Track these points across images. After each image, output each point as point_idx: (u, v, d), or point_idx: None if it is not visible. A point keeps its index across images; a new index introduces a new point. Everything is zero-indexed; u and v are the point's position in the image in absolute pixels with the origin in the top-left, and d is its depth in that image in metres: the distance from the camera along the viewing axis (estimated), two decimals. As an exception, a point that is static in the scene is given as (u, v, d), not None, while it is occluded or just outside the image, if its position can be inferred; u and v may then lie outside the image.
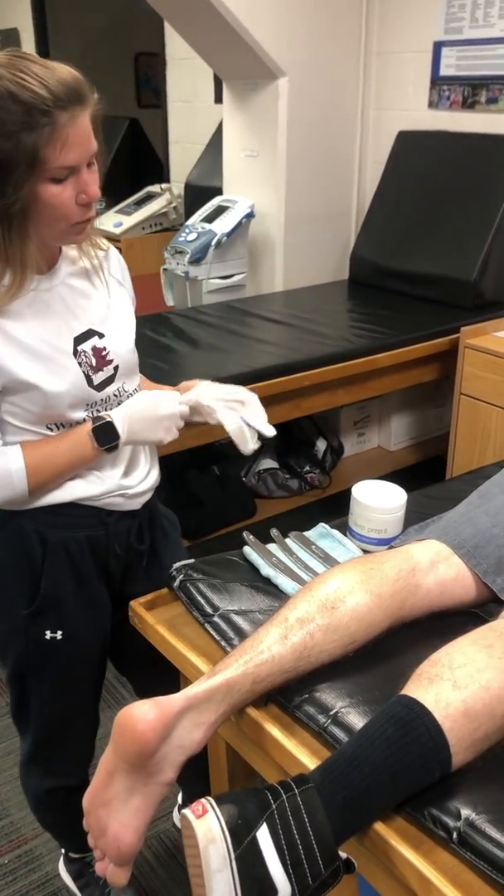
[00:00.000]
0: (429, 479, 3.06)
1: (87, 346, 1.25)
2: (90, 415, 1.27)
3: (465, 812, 0.90)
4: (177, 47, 4.20)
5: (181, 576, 1.29)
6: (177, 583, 1.29)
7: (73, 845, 1.70)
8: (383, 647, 1.14)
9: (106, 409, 1.29)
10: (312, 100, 3.26)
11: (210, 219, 3.26)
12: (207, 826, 0.83)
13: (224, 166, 3.54)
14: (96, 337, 1.26)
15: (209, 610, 1.24)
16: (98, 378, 1.26)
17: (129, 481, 1.34)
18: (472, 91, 3.06)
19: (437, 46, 3.14)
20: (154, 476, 1.41)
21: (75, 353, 1.24)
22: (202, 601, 1.25)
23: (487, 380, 2.64)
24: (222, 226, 3.19)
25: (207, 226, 3.22)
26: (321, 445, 2.91)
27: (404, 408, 3.22)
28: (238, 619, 1.22)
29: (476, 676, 0.96)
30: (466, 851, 0.87)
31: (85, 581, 1.36)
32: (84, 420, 1.26)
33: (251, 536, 1.39)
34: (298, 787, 0.88)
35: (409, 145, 3.28)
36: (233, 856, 0.83)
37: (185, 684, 1.29)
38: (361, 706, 1.05)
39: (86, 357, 1.25)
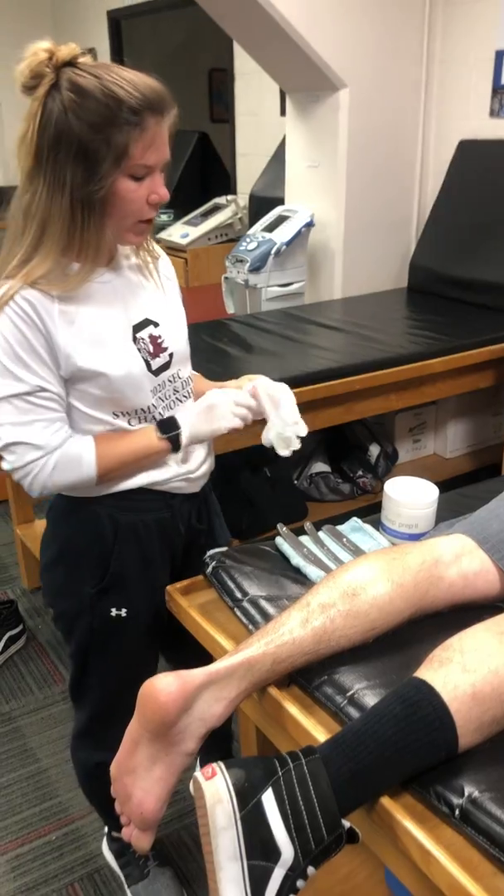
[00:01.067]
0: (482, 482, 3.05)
1: (144, 334, 1.34)
2: (152, 401, 1.35)
3: (469, 789, 0.93)
4: (244, 62, 4.30)
5: (214, 562, 1.35)
6: (210, 569, 1.35)
7: (117, 824, 1.76)
8: (403, 634, 1.17)
9: (163, 394, 1.38)
10: (373, 110, 3.30)
11: (270, 228, 3.33)
12: (215, 787, 0.88)
13: (286, 177, 3.61)
14: (152, 326, 1.35)
15: (239, 595, 1.29)
16: (155, 363, 1.35)
17: (188, 467, 1.43)
18: (534, 98, 3.05)
19: (500, 55, 3.14)
20: (210, 462, 1.51)
21: (134, 339, 1.32)
22: (233, 587, 1.31)
23: (543, 387, 2.63)
24: (282, 235, 3.25)
25: (268, 235, 3.29)
26: (374, 451, 2.93)
27: (461, 415, 3.21)
28: (266, 605, 1.26)
29: (486, 661, 0.98)
30: (467, 827, 0.90)
31: (150, 563, 1.44)
32: (147, 408, 1.35)
33: (284, 528, 1.44)
34: (306, 757, 0.92)
35: (470, 154, 3.29)
36: (238, 815, 0.87)
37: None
38: (378, 689, 1.09)
39: (144, 344, 1.33)
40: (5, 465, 1.30)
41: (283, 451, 1.41)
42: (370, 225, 3.46)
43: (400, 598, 1.16)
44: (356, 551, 1.38)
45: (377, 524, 1.47)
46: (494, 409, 3.27)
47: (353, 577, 1.16)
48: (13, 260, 1.23)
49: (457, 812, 0.91)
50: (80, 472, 1.29)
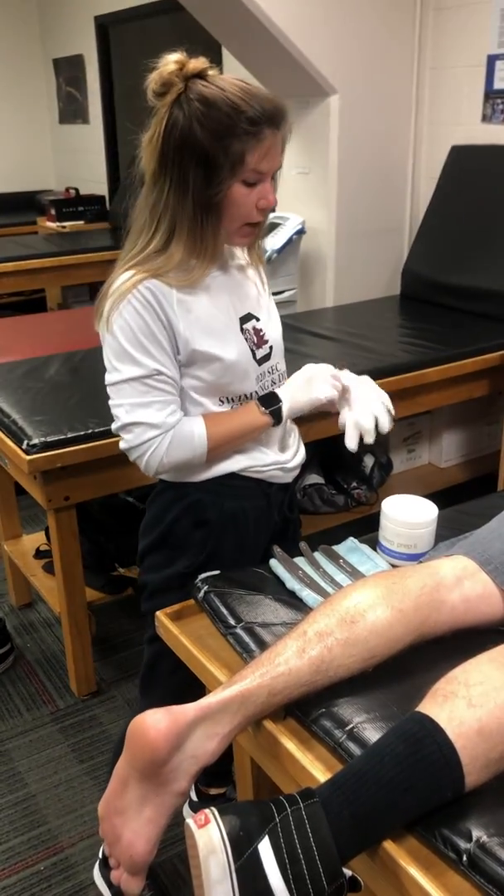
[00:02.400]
0: (481, 497, 3.01)
1: (249, 326, 1.43)
2: (255, 388, 1.44)
3: (477, 834, 0.88)
4: (233, 68, 4.25)
5: (206, 587, 1.30)
6: (201, 594, 1.29)
7: None
8: (404, 663, 1.12)
9: (263, 384, 1.46)
10: (364, 115, 3.26)
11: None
12: (208, 836, 0.83)
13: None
14: (254, 319, 1.44)
15: (232, 621, 1.24)
16: (259, 353, 1.45)
17: (285, 457, 1.52)
18: (527, 104, 3.02)
19: (492, 60, 3.11)
20: (301, 454, 1.59)
21: (242, 329, 1.41)
22: (225, 612, 1.25)
23: (539, 395, 2.59)
24: (273, 242, 3.21)
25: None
26: (369, 461, 2.88)
27: (456, 424, 3.17)
28: (261, 631, 1.21)
29: (492, 695, 0.93)
30: (476, 875, 0.85)
31: (244, 547, 1.50)
32: (250, 395, 1.43)
33: (279, 549, 1.39)
34: (304, 801, 0.87)
35: (463, 160, 3.25)
36: (233, 867, 0.82)
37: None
38: (378, 722, 1.04)
39: (249, 334, 1.43)
40: (122, 445, 1.39)
41: (351, 443, 1.47)
42: (362, 232, 3.43)
43: (400, 625, 1.12)
44: (354, 573, 1.33)
45: (374, 543, 1.43)
46: (489, 418, 3.23)
47: (352, 603, 1.12)
48: (135, 250, 1.34)
49: (464, 858, 0.86)
50: (192, 449, 1.37)
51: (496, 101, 3.13)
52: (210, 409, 1.40)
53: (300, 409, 1.45)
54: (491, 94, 3.15)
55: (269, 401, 1.43)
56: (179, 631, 1.28)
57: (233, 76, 1.30)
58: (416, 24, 3.27)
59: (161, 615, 1.32)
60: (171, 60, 1.25)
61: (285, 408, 1.43)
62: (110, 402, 1.37)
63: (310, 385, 1.44)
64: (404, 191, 3.52)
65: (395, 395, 2.54)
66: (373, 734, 1.02)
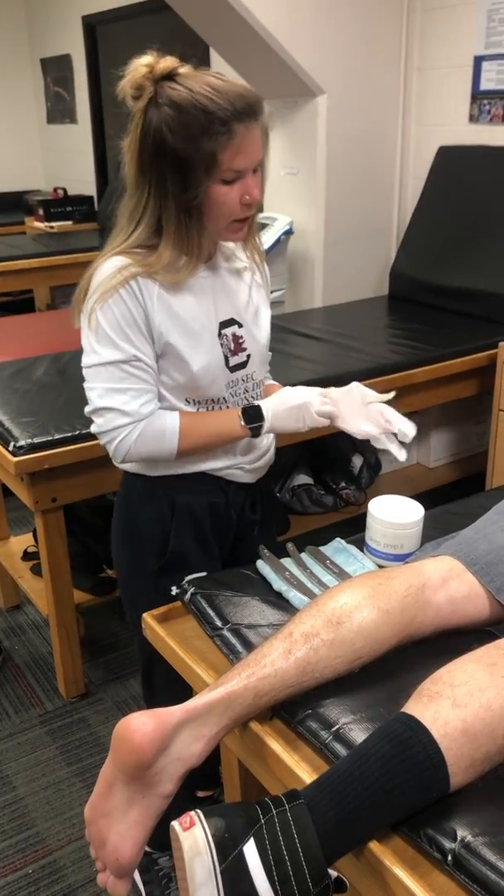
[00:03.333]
0: (468, 497, 3.02)
1: (228, 332, 1.41)
2: (224, 394, 1.42)
3: (462, 833, 0.88)
4: (220, 69, 4.25)
5: (193, 588, 1.29)
6: (188, 595, 1.29)
7: (154, 840, 1.72)
8: (390, 663, 1.13)
9: (235, 390, 1.45)
10: (352, 116, 3.27)
11: (249, 236, 3.28)
12: (194, 838, 0.83)
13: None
14: (236, 325, 1.43)
15: (218, 623, 1.24)
16: (233, 361, 1.43)
17: (247, 458, 1.50)
18: (513, 105, 3.03)
19: (478, 61, 3.12)
20: (268, 457, 1.57)
21: (219, 334, 1.40)
22: (212, 614, 1.25)
23: (526, 395, 2.60)
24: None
25: (247, 243, 3.24)
26: (357, 462, 2.89)
27: (444, 424, 3.18)
28: (247, 633, 1.21)
29: (477, 695, 0.94)
30: (461, 874, 0.85)
31: (205, 541, 1.50)
32: (219, 400, 1.42)
33: (266, 550, 1.39)
34: (289, 803, 0.87)
35: (450, 160, 3.26)
36: (218, 869, 0.82)
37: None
38: (364, 723, 1.04)
39: (227, 340, 1.41)
40: (93, 428, 1.38)
41: (397, 452, 1.43)
42: (350, 232, 3.43)
43: (386, 626, 1.12)
44: (340, 574, 1.33)
45: (361, 544, 1.43)
46: (477, 417, 3.24)
47: (338, 604, 1.12)
48: (116, 241, 1.34)
49: (449, 858, 0.87)
50: (161, 444, 1.36)
51: (483, 101, 3.14)
52: (177, 408, 1.40)
53: (280, 431, 1.45)
54: (478, 95, 3.16)
55: (252, 416, 1.40)
56: (166, 633, 1.28)
57: (207, 71, 1.28)
58: (404, 24, 3.28)
59: (147, 617, 1.32)
60: (140, 64, 1.24)
61: (266, 427, 1.41)
62: (85, 385, 1.36)
63: (298, 413, 1.41)
64: (392, 191, 3.53)
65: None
66: (359, 735, 1.02)
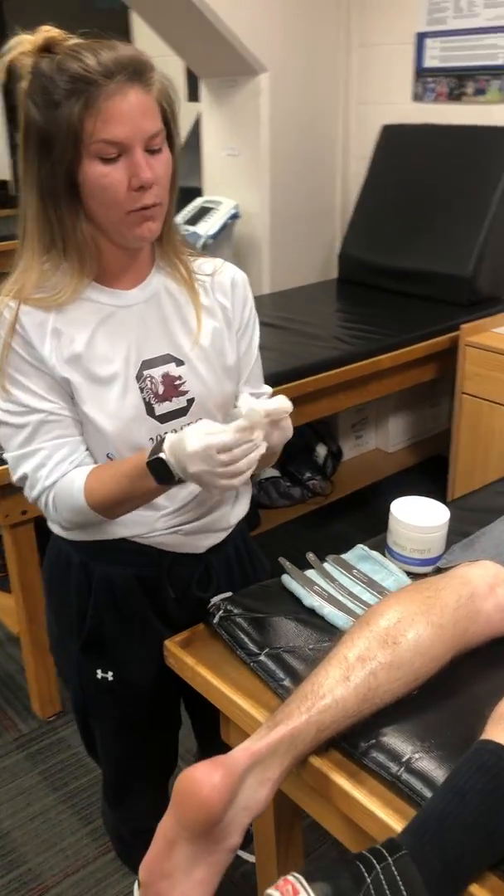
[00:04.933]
0: (431, 480, 3.02)
1: (156, 372, 1.15)
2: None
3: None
4: (143, 45, 4.09)
5: (221, 612, 1.20)
6: (216, 619, 1.20)
7: None
8: (446, 680, 1.06)
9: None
10: (294, 95, 3.18)
11: (193, 221, 3.17)
12: (301, 909, 0.75)
13: (204, 166, 3.45)
14: (173, 364, 1.16)
15: (254, 648, 1.15)
16: (162, 408, 1.15)
17: (183, 518, 1.22)
18: (459, 83, 3.00)
19: (421, 38, 3.07)
20: (233, 516, 1.29)
21: (139, 376, 1.14)
22: (245, 639, 1.17)
23: (489, 378, 2.58)
24: (207, 227, 3.10)
25: (191, 228, 3.12)
26: (321, 451, 2.83)
27: (400, 408, 3.16)
28: (287, 657, 1.13)
29: None
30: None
31: (132, 620, 1.26)
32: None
33: (288, 563, 1.31)
34: (391, 855, 0.80)
35: (395, 140, 3.21)
36: (331, 942, 0.74)
37: (227, 729, 1.21)
38: (435, 750, 0.97)
39: (152, 383, 1.14)
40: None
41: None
42: (296, 215, 3.35)
43: (441, 641, 1.05)
44: (370, 583, 1.27)
45: (382, 549, 1.36)
46: (432, 400, 3.23)
47: (389, 622, 1.05)
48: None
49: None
50: (72, 502, 1.11)
51: (427, 79, 3.10)
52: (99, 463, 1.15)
53: (192, 472, 1.00)
54: (421, 73, 3.11)
55: (156, 448, 1.04)
56: (194, 661, 1.18)
57: (103, 40, 1.04)
58: (346, 1, 3.20)
59: (170, 644, 1.22)
60: (13, 45, 1.03)
61: (169, 457, 1.01)
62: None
63: (191, 460, 0.99)
64: (335, 172, 3.46)
65: (348, 384, 2.52)
66: (430, 764, 0.96)
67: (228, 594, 1.25)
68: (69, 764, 2.03)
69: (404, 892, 0.78)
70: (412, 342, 2.63)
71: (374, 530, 1.42)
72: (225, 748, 1.20)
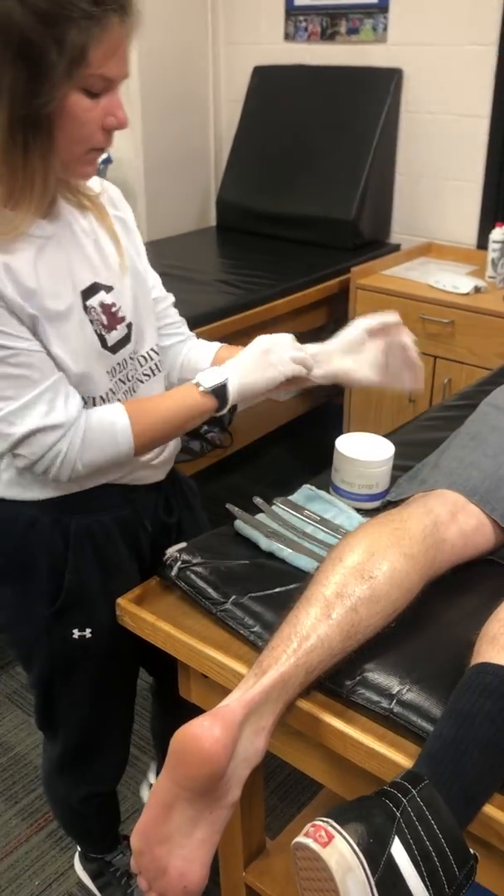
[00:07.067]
0: (325, 427, 3.03)
1: (94, 302, 1.08)
2: (109, 387, 1.11)
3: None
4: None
5: (179, 563, 1.14)
6: (174, 571, 1.13)
7: (99, 847, 1.59)
8: (418, 611, 1.05)
9: (124, 375, 1.14)
10: (163, 35, 3.04)
11: (64, 167, 2.99)
12: (340, 853, 0.71)
13: (68, 110, 3.26)
14: (103, 291, 1.09)
15: (218, 597, 1.10)
16: (111, 338, 1.10)
17: (160, 448, 1.23)
18: (331, 21, 2.96)
19: (289, -25, 3.01)
20: (175, 443, 1.29)
21: (86, 308, 1.07)
22: (208, 588, 1.11)
23: (380, 320, 2.60)
24: (80, 174, 2.93)
25: (62, 175, 2.95)
26: (216, 402, 2.78)
27: (289, 356, 3.14)
28: (253, 604, 1.08)
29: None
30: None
31: (114, 569, 1.22)
32: (105, 396, 1.11)
33: (237, 509, 1.25)
34: (415, 787, 0.78)
35: (267, 81, 3.15)
36: (373, 882, 0.71)
37: (188, 684, 1.16)
38: (423, 682, 0.96)
39: (95, 314, 1.08)
40: (21, 463, 1.07)
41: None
42: (170, 161, 3.24)
43: (415, 571, 1.04)
44: (322, 522, 1.23)
45: (327, 487, 1.33)
46: (319, 346, 3.23)
47: (362, 556, 1.02)
48: None
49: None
50: (115, 444, 1.07)
51: (298, 18, 3.04)
52: None
53: (254, 391, 1.14)
54: (292, 12, 3.05)
55: (210, 376, 1.12)
56: (153, 616, 1.11)
57: None
58: None
59: (122, 602, 1.15)
60: None
61: (233, 387, 1.12)
62: None
63: (266, 359, 1.13)
64: (206, 115, 3.36)
65: (241, 333, 2.47)
66: (421, 696, 0.94)
67: (183, 545, 1.18)
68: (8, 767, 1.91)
69: (433, 822, 0.76)
70: (305, 286, 2.61)
71: (268, 481, 1.40)
72: (188, 706, 1.16)
